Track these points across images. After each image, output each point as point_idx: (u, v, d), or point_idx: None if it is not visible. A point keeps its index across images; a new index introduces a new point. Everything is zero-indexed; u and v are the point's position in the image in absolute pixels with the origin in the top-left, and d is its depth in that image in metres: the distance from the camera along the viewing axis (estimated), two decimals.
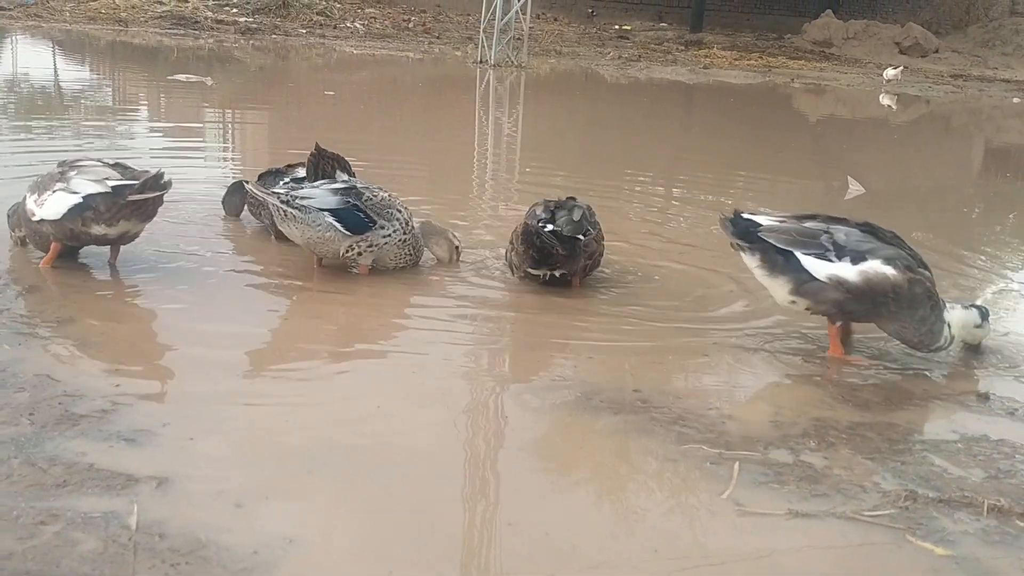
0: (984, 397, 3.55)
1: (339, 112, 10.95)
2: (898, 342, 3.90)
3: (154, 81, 11.79)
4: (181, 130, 8.73)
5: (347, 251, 4.37)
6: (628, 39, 24.36)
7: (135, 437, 2.77)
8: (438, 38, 21.39)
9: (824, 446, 3.03)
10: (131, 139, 7.89)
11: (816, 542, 2.50)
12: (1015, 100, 19.18)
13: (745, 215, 3.95)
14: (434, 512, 2.53)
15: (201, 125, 9.20)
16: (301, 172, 5.06)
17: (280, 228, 4.44)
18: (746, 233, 3.89)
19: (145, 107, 10.36)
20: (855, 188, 7.65)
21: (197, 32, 18.48)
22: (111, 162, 4.22)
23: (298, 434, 2.89)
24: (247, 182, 4.71)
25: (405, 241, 4.54)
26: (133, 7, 19.88)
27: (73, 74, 12.47)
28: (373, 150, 8.18)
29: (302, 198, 4.30)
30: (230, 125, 9.54)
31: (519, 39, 17.73)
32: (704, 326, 4.15)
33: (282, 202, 4.25)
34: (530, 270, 4.43)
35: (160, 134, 8.45)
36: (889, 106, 17.16)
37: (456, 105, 12.97)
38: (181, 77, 11.47)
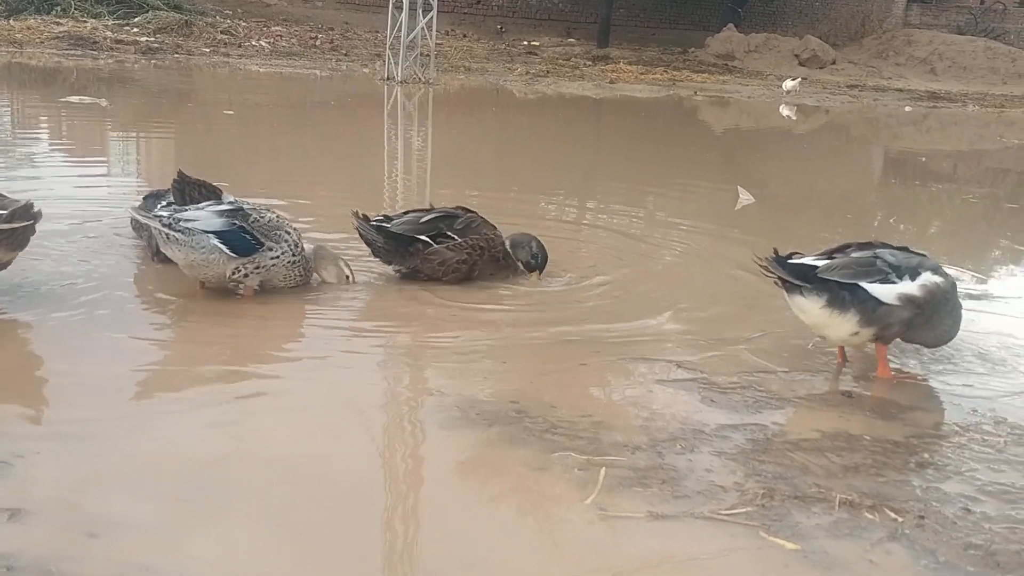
0: (847, 395, 3.70)
1: (243, 132, 10.82)
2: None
3: (45, 104, 11.48)
4: (74, 153, 8.52)
5: (233, 273, 4.32)
6: (537, 55, 24.63)
7: None
8: (346, 55, 21.32)
9: (689, 449, 3.12)
10: (22, 163, 7.67)
11: (673, 542, 2.57)
12: (907, 109, 19.97)
13: (793, 259, 3.86)
14: (301, 534, 2.53)
15: (93, 148, 8.99)
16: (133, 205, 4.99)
17: (163, 251, 4.38)
18: (804, 275, 3.79)
19: (42, 130, 10.07)
20: (745, 198, 7.86)
21: (96, 53, 18.07)
22: None
23: (162, 461, 2.85)
24: (131, 207, 4.62)
25: (294, 263, 4.50)
26: (29, 28, 19.35)
27: None
28: (279, 171, 8.13)
29: (186, 220, 4.25)
30: (127, 147, 9.35)
31: (426, 55, 17.78)
32: (585, 336, 4.22)
33: (164, 225, 4.19)
34: (382, 262, 4.91)
35: (55, 157, 8.23)
36: (789, 116, 17.69)
37: (364, 122, 12.93)
38: (74, 99, 11.20)
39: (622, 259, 5.64)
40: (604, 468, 2.93)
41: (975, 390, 3.87)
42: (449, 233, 4.81)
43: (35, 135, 9.52)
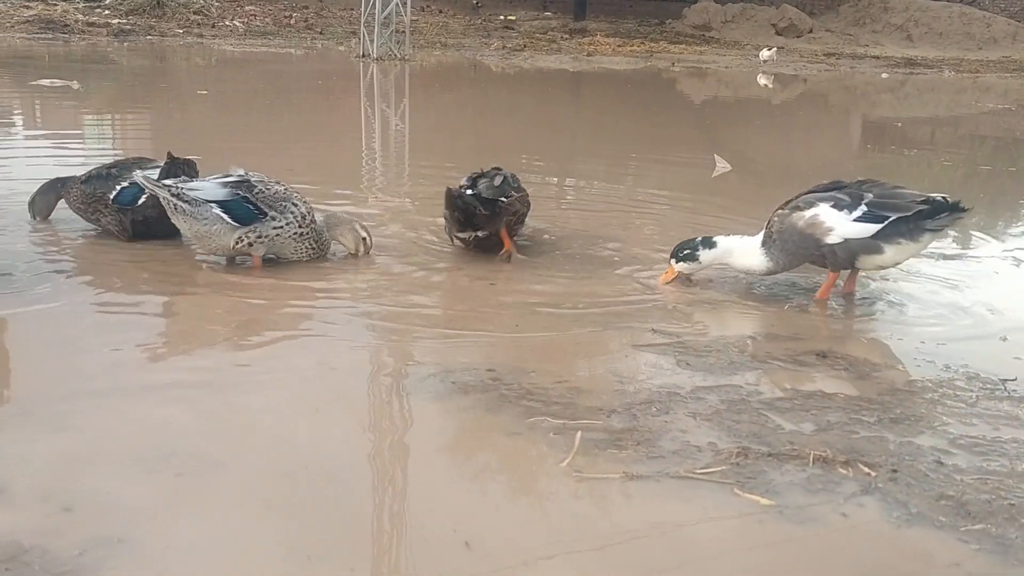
0: (822, 355, 3.72)
1: (220, 113, 10.73)
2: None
3: (17, 88, 11.34)
4: (51, 136, 8.43)
5: (236, 243, 4.36)
6: (513, 29, 24.50)
7: None
8: (321, 33, 21.16)
9: (664, 411, 3.13)
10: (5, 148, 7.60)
11: (647, 502, 2.59)
12: (884, 76, 20.00)
13: None
14: (280, 506, 2.53)
15: (67, 129, 8.89)
16: (139, 172, 4.92)
17: (173, 221, 4.43)
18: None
19: (17, 114, 9.93)
20: (722, 166, 7.88)
21: (67, 36, 17.86)
22: None
23: (143, 437, 2.84)
24: (138, 174, 4.54)
25: (303, 235, 4.54)
26: None
27: None
28: (257, 151, 8.06)
29: (191, 190, 4.32)
30: (104, 129, 9.25)
31: (401, 32, 17.66)
32: (563, 303, 4.23)
33: (172, 195, 4.27)
34: (458, 234, 4.82)
35: (33, 140, 8.14)
36: (766, 85, 17.69)
37: (341, 100, 12.84)
38: (45, 82, 11.07)
39: (603, 230, 5.65)
40: (580, 432, 2.94)
41: (949, 347, 3.90)
42: (511, 193, 4.84)
43: (14, 118, 9.41)
